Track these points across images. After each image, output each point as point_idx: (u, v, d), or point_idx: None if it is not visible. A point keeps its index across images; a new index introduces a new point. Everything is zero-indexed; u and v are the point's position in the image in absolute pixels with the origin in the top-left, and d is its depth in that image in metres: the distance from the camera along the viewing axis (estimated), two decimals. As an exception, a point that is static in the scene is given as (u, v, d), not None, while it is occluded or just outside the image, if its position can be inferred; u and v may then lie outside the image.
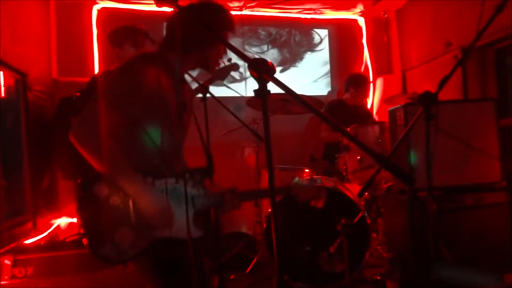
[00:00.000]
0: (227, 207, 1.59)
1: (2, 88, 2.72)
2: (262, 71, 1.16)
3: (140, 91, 1.45)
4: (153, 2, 1.32)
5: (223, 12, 1.64)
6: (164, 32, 1.67)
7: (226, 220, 4.09)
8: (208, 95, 2.99)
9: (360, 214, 2.80)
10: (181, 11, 1.36)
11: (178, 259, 1.52)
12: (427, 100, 1.62)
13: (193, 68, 1.69)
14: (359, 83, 4.14)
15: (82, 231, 1.43)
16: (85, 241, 1.42)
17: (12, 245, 2.54)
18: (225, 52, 1.69)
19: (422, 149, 1.77)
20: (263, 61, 1.17)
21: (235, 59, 4.98)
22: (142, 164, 1.48)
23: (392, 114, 2.81)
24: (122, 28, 2.94)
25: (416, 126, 1.71)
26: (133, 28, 2.93)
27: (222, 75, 3.17)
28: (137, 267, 1.51)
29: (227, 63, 3.14)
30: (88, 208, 1.43)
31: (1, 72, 2.71)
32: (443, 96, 2.64)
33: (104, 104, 1.42)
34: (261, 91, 1.18)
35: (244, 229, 3.95)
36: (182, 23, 1.51)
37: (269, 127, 1.19)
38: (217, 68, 3.17)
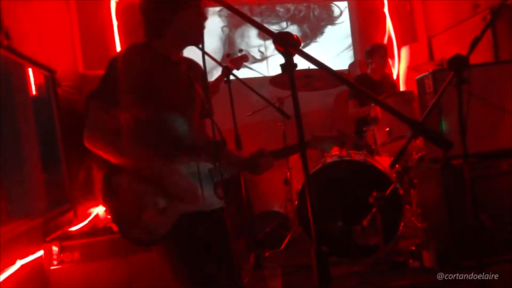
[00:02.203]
0: (259, 169, 1.64)
1: (33, 86, 2.80)
2: (288, 44, 1.15)
3: (133, 81, 1.46)
4: None
5: None
6: None
7: (258, 200, 4.15)
8: (232, 77, 3.02)
9: (392, 186, 2.78)
10: None
11: (207, 234, 1.55)
12: (458, 63, 1.57)
13: (180, 47, 1.61)
14: (374, 51, 4.09)
15: (110, 218, 1.49)
16: (114, 227, 1.48)
17: (58, 233, 2.67)
18: (202, 14, 1.56)
19: (454, 116, 1.72)
20: (288, 34, 1.16)
21: (255, 36, 4.93)
22: (153, 147, 1.51)
23: (420, 82, 2.74)
24: None
25: (446, 92, 1.66)
26: None
27: (236, 65, 3.23)
28: (166, 249, 1.51)
29: (238, 54, 3.27)
30: (112, 196, 1.48)
31: (31, 70, 2.80)
32: (473, 59, 2.55)
33: (104, 100, 1.48)
34: (288, 65, 1.17)
35: (276, 208, 4.00)
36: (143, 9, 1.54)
37: (298, 101, 1.19)
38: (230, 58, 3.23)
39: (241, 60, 3.25)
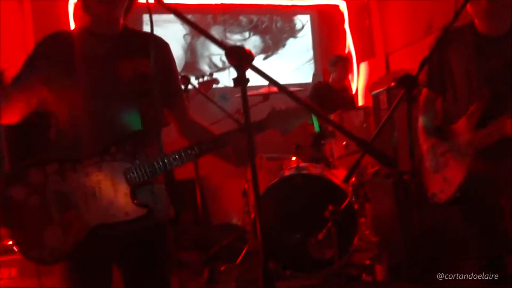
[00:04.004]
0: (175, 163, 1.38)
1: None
2: (240, 58, 1.13)
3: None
4: None
5: None
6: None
7: (216, 212, 4.08)
8: (190, 86, 2.97)
9: (347, 200, 2.82)
10: None
11: (122, 256, 1.45)
12: (407, 82, 1.60)
13: (99, 14, 1.44)
14: (338, 60, 4.28)
15: (9, 238, 1.35)
16: (15, 247, 1.35)
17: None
18: None
19: (406, 132, 1.76)
20: (241, 48, 1.15)
21: (213, 48, 4.91)
22: (60, 150, 1.41)
23: (375, 98, 2.81)
24: None
25: (399, 109, 1.69)
26: None
27: (205, 88, 3.38)
28: (71, 266, 1.39)
29: (208, 78, 3.45)
30: (8, 213, 1.34)
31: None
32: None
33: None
34: (240, 79, 1.15)
35: (234, 221, 3.95)
36: None
37: (249, 115, 1.17)
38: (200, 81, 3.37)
39: (211, 83, 3.39)
